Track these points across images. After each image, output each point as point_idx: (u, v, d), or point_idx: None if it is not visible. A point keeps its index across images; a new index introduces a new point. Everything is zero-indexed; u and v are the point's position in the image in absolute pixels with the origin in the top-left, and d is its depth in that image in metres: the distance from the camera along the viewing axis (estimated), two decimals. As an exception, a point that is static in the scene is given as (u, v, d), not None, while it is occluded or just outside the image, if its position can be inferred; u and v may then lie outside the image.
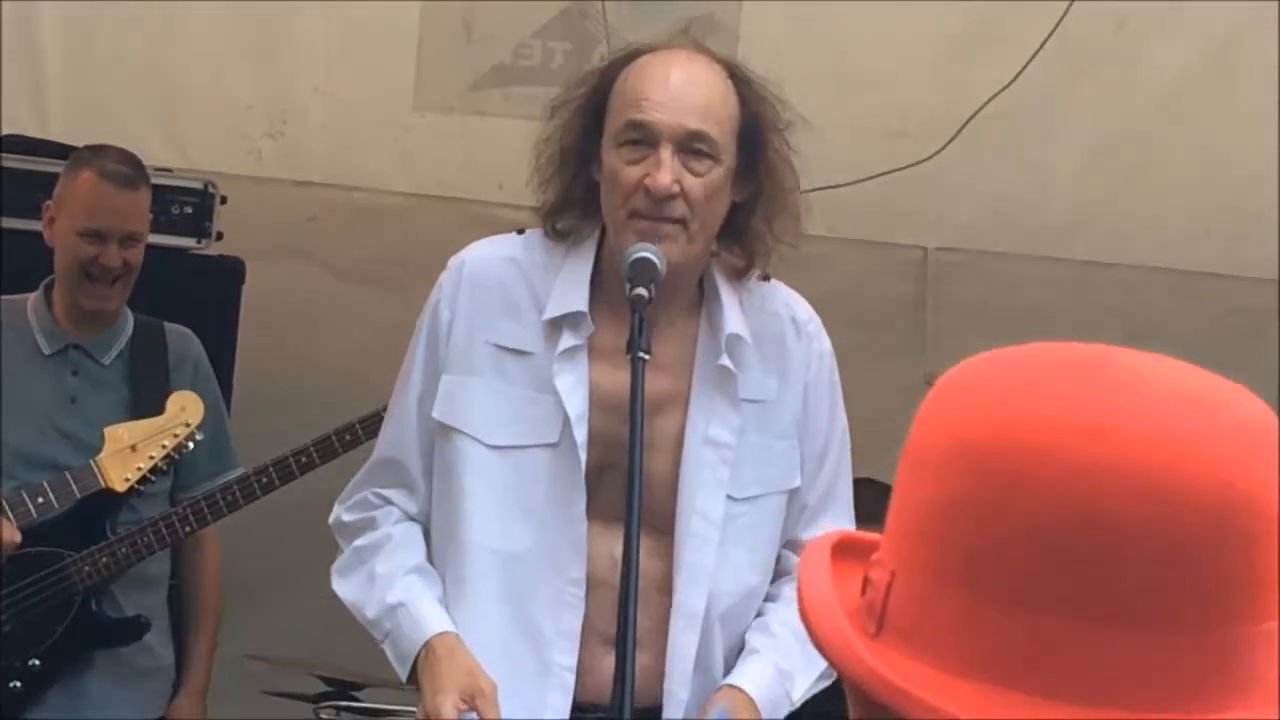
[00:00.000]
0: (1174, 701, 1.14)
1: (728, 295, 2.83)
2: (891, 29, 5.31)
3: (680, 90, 2.70)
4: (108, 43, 5.33)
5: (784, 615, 2.84)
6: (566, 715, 2.75)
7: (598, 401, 2.77)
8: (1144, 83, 5.35)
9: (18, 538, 3.86)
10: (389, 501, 2.90)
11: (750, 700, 2.77)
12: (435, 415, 2.83)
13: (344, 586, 2.90)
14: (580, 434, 2.74)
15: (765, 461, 2.85)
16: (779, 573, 2.94)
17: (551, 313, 2.77)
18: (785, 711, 2.83)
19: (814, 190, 5.26)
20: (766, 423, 2.85)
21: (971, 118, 5.15)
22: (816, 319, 2.95)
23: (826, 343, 2.94)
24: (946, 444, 1.20)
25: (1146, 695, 1.14)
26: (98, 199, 4.07)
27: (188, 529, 4.02)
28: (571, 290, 2.78)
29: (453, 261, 2.89)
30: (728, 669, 2.85)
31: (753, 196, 2.80)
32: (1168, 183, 5.38)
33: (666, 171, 2.66)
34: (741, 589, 2.85)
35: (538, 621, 2.76)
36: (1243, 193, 5.23)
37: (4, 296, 4.18)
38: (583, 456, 2.74)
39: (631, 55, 2.78)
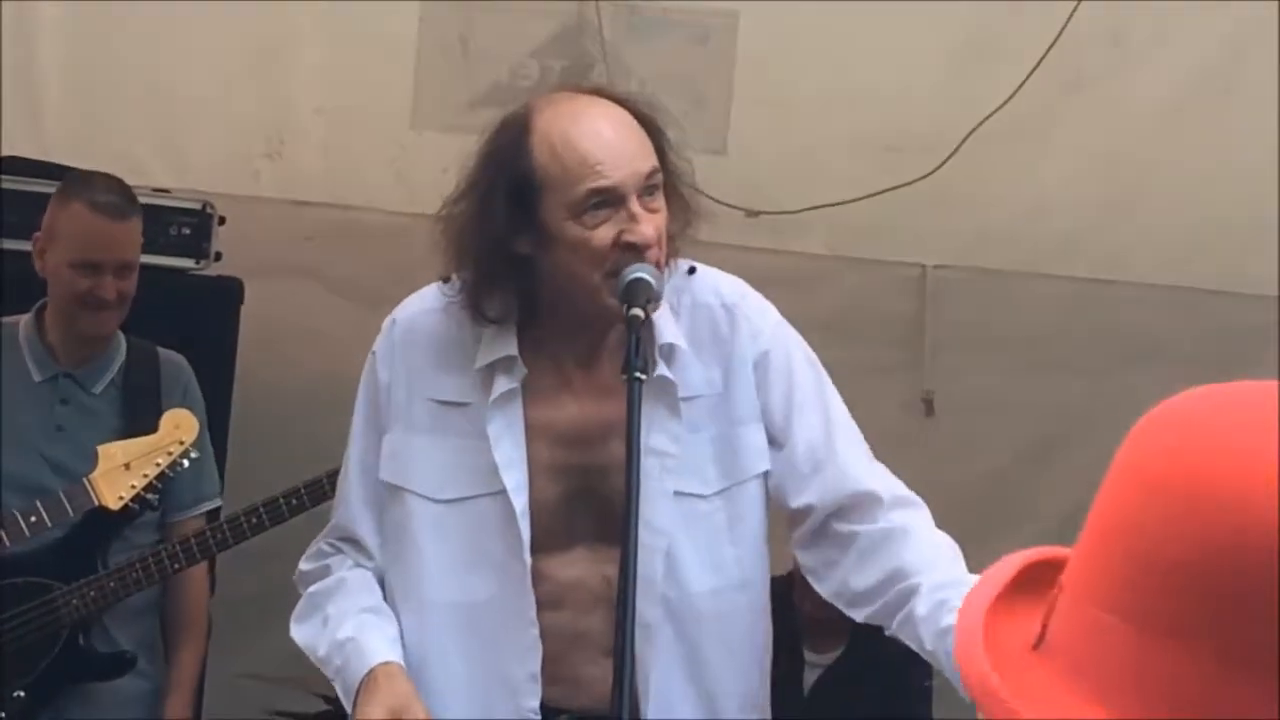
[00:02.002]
0: None
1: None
2: (889, 46, 5.31)
3: (620, 139, 2.70)
4: (107, 63, 5.33)
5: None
6: None
7: (547, 437, 2.80)
8: (1141, 99, 5.35)
9: None
10: (341, 551, 2.94)
11: None
12: (382, 476, 2.87)
13: (299, 631, 2.93)
14: (511, 479, 2.75)
15: (728, 452, 2.84)
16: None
17: (483, 361, 2.80)
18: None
19: (813, 209, 5.33)
20: (720, 414, 2.84)
21: (969, 135, 5.15)
22: (751, 295, 2.91)
23: (770, 315, 2.91)
24: (1128, 468, 1.18)
25: None
26: (90, 231, 4.04)
27: (176, 566, 4.01)
28: (500, 336, 2.80)
29: (385, 323, 2.93)
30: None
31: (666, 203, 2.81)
32: (1166, 199, 5.37)
33: (648, 223, 2.68)
34: (731, 584, 2.85)
35: (507, 667, 2.77)
36: (1242, 208, 5.23)
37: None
38: (516, 501, 2.76)
39: (523, 124, 2.74)
